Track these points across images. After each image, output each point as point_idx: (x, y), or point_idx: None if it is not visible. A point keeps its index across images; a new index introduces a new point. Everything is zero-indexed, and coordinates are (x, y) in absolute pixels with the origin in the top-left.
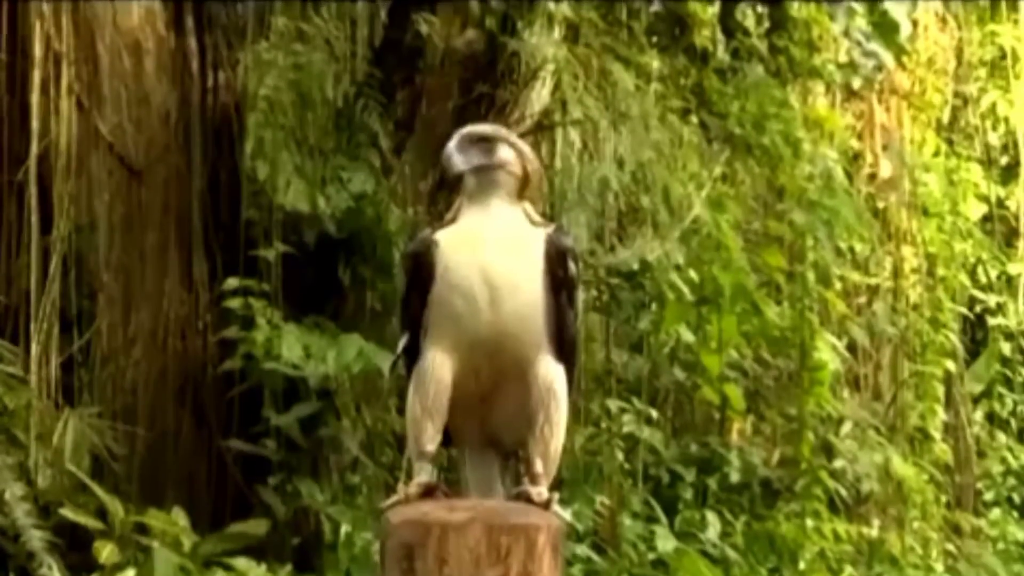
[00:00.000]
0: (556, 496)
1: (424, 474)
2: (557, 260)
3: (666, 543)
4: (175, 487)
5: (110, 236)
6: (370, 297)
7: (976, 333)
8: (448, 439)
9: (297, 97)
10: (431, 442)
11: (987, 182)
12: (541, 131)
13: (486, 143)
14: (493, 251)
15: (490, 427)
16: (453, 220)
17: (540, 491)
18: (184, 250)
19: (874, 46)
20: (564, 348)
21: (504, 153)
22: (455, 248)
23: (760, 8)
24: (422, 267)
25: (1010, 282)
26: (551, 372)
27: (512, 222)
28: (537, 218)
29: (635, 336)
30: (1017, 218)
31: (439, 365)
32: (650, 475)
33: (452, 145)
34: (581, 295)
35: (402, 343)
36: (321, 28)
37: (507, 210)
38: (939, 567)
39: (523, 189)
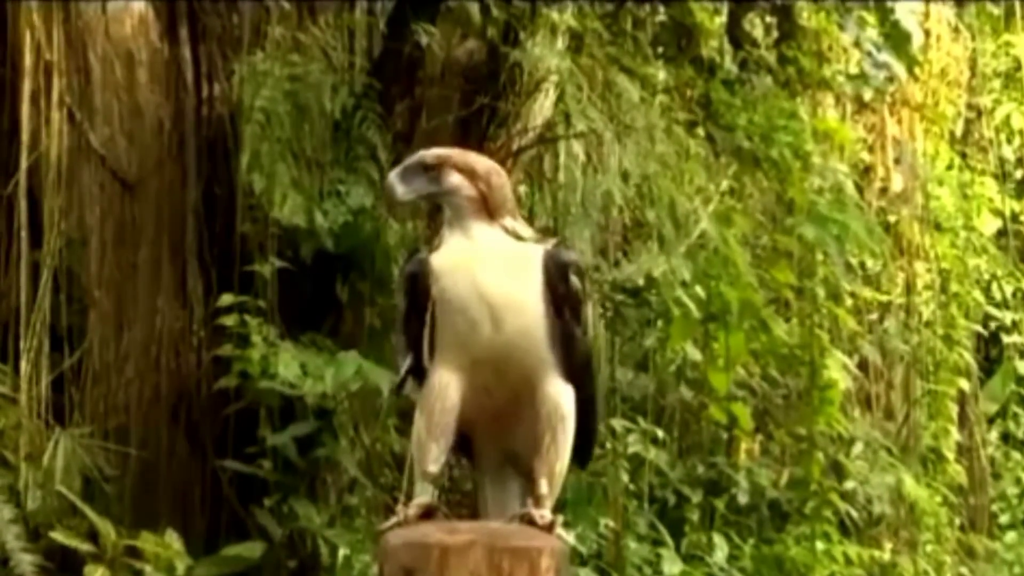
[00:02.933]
0: (560, 518)
1: (425, 495)
2: (557, 276)
3: (672, 567)
4: (168, 509)
5: (102, 251)
6: (368, 314)
7: (991, 351)
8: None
9: (294, 109)
10: (435, 463)
11: (1001, 196)
12: (544, 144)
13: (433, 170)
14: (487, 272)
15: (507, 446)
16: (439, 246)
17: (543, 513)
18: (178, 265)
19: (885, 57)
20: (573, 366)
21: (452, 179)
22: (449, 271)
23: (769, 18)
24: (418, 288)
25: None
26: (558, 393)
27: (496, 242)
28: (526, 232)
29: (640, 354)
30: None
31: (445, 386)
32: (656, 496)
33: (395, 174)
34: (589, 311)
35: (406, 365)
36: (318, 38)
37: (487, 231)
38: None
39: (490, 207)
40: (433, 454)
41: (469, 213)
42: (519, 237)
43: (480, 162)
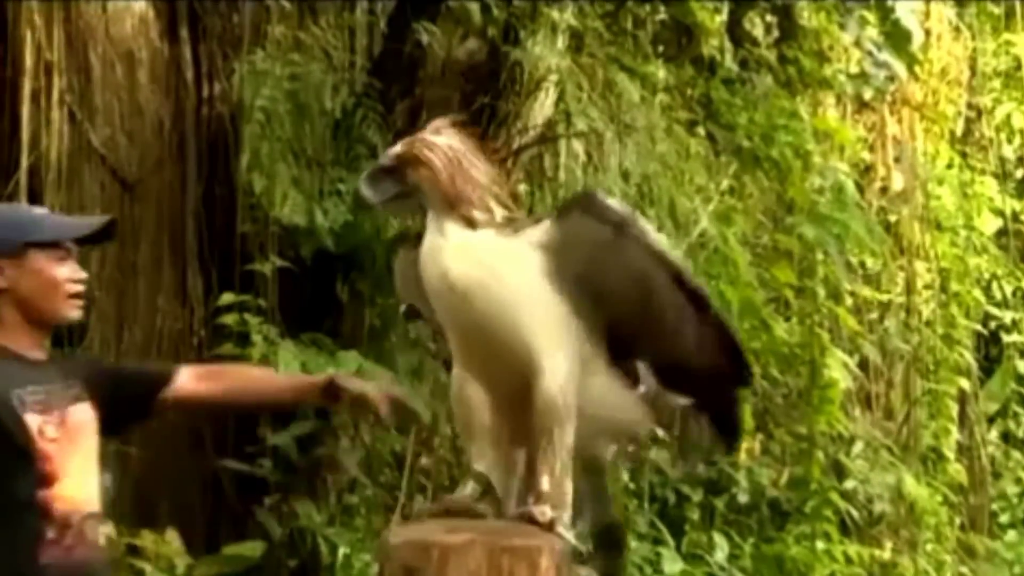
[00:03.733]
0: (562, 516)
1: (466, 488)
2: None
3: (673, 565)
4: (169, 508)
5: (102, 250)
6: (369, 313)
7: (991, 350)
8: None
9: (294, 108)
10: (475, 461)
11: (1002, 195)
12: (544, 143)
13: (396, 171)
14: (448, 259)
15: (526, 445)
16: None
17: (544, 510)
18: (178, 265)
19: (886, 56)
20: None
21: (412, 176)
22: (425, 263)
23: (769, 17)
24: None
25: None
26: (551, 383)
27: (456, 231)
28: (482, 216)
29: None
30: None
31: (461, 385)
32: (656, 496)
33: (364, 178)
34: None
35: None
36: (319, 37)
37: (450, 222)
38: None
39: (450, 197)
40: (473, 452)
41: (435, 205)
42: (475, 223)
43: (424, 151)
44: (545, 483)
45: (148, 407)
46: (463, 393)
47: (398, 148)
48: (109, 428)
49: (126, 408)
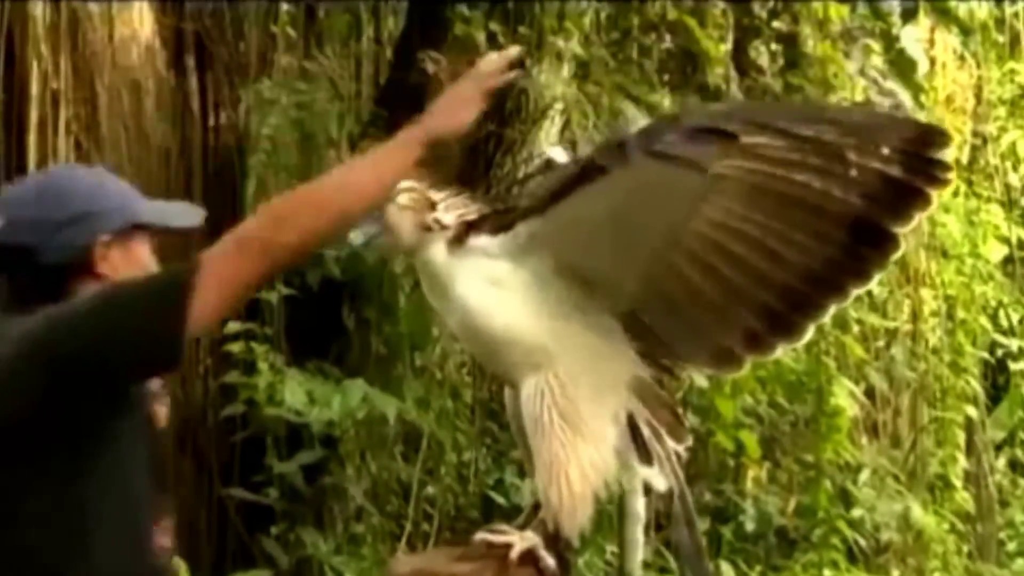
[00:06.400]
0: (524, 545)
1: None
2: None
3: None
4: (175, 536)
5: None
6: (375, 341)
7: (998, 378)
8: None
9: (300, 137)
10: (530, 476)
11: (1008, 223)
12: (550, 170)
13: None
14: (427, 291)
15: None
16: None
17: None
18: None
19: (891, 85)
20: None
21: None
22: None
23: (774, 46)
24: None
25: None
26: (531, 392)
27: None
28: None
29: None
30: None
31: (509, 400)
32: (662, 523)
33: None
34: None
35: None
36: (325, 66)
37: (427, 245)
38: None
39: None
40: (528, 468)
41: (417, 234)
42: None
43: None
44: (545, 503)
45: None
46: (510, 408)
47: None
48: None
49: None
